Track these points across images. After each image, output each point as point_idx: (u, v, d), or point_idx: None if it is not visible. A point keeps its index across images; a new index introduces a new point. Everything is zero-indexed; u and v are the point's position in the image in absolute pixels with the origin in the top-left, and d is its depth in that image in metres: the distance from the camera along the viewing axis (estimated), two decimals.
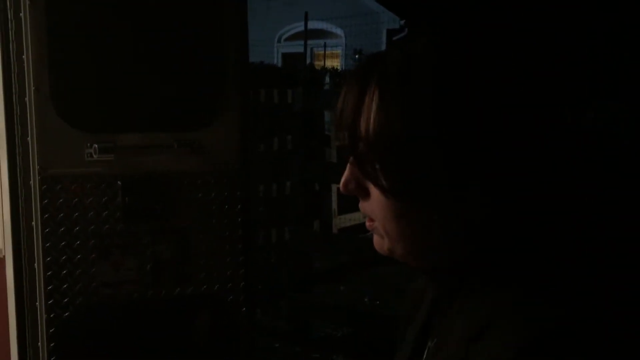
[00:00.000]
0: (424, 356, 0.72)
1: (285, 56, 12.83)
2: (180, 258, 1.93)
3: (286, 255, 4.68)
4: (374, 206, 0.66)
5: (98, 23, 1.83)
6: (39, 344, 1.80)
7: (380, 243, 0.69)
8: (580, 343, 0.56)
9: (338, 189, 5.34)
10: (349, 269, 5.01)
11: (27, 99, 1.76)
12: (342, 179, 0.69)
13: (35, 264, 1.79)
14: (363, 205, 0.69)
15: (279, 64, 11.15)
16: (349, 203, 5.85)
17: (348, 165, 0.68)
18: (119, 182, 1.85)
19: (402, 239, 0.66)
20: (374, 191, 0.65)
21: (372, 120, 0.62)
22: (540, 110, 0.61)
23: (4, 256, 1.85)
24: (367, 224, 0.70)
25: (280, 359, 3.84)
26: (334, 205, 5.71)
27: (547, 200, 0.63)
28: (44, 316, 1.79)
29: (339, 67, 10.11)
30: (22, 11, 1.74)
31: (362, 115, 0.63)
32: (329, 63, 10.55)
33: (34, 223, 1.79)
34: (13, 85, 1.77)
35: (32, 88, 1.75)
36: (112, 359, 1.87)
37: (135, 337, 1.91)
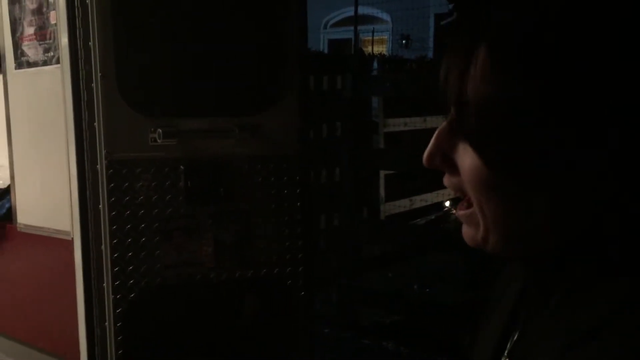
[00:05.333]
0: (507, 349, 0.68)
1: (331, 42, 12.80)
2: (241, 241, 1.95)
3: (335, 241, 4.69)
4: (469, 180, 0.60)
5: (162, 9, 1.85)
6: (106, 323, 1.86)
7: (471, 233, 0.63)
8: None
9: (386, 175, 5.33)
10: (396, 256, 4.99)
11: (93, 85, 1.80)
12: (426, 152, 0.63)
13: (103, 246, 1.84)
14: (450, 180, 0.63)
15: (325, 51, 11.12)
16: (396, 190, 5.83)
17: (434, 137, 0.63)
18: (181, 167, 1.87)
19: (499, 222, 0.60)
20: (468, 164, 0.59)
21: (483, 86, 0.57)
22: None
23: (72, 238, 1.90)
24: (460, 212, 0.64)
25: (330, 344, 3.86)
26: (382, 192, 5.69)
27: None
28: (111, 297, 1.84)
29: (386, 53, 10.03)
30: None
31: (470, 82, 0.58)
32: (376, 49, 10.47)
33: (100, 206, 1.83)
34: (80, 72, 1.81)
35: (99, 74, 1.78)
36: (176, 339, 1.91)
37: (198, 318, 1.95)
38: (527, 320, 0.65)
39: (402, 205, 5.83)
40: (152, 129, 1.83)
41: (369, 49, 10.21)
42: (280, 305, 2.06)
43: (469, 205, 0.63)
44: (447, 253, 4.60)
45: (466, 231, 0.64)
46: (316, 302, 4.23)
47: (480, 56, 0.57)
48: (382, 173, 5.60)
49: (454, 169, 0.62)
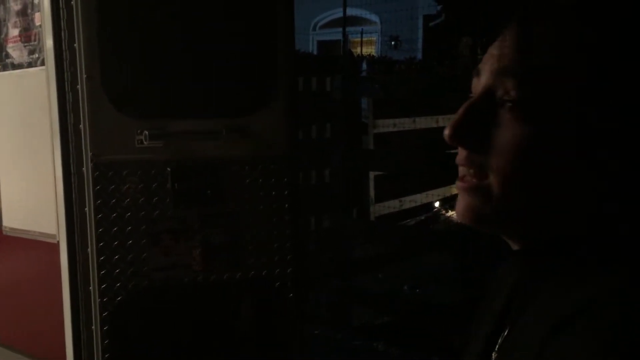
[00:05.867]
0: (498, 344, 0.67)
1: (320, 44, 12.80)
2: (229, 243, 1.94)
3: (325, 243, 4.69)
4: (509, 151, 0.58)
5: (148, 11, 1.84)
6: (93, 327, 1.84)
7: (475, 205, 0.61)
8: None
9: (375, 176, 5.33)
10: (387, 256, 4.99)
11: (79, 86, 1.78)
12: (453, 123, 0.61)
13: (89, 249, 1.82)
14: (471, 158, 0.61)
15: (315, 52, 11.12)
16: (386, 191, 5.83)
17: (462, 110, 0.61)
18: (168, 169, 1.86)
19: (517, 197, 0.59)
20: (511, 136, 0.58)
21: (544, 58, 0.57)
22: None
23: (58, 241, 1.88)
24: (465, 184, 0.62)
25: (321, 345, 3.85)
26: (372, 193, 5.69)
27: None
28: (97, 300, 1.83)
29: (374, 54, 10.04)
30: None
31: (530, 47, 0.58)
32: (365, 50, 10.48)
33: (87, 209, 1.81)
34: (65, 74, 1.80)
35: (84, 76, 1.77)
36: (164, 343, 1.90)
37: (185, 321, 1.93)
38: (517, 314, 0.65)
39: (392, 206, 5.84)
40: (139, 131, 1.82)
41: (358, 50, 10.23)
42: (270, 307, 2.05)
43: (481, 178, 0.61)
44: (437, 253, 4.61)
45: (468, 203, 0.62)
46: (307, 304, 4.23)
47: (536, 30, 0.57)
48: (372, 174, 5.61)
49: (481, 145, 0.60)
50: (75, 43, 1.77)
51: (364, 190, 5.62)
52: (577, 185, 0.57)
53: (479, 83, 0.63)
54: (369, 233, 4.65)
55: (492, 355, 0.68)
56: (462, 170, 0.64)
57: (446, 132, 0.61)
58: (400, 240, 4.54)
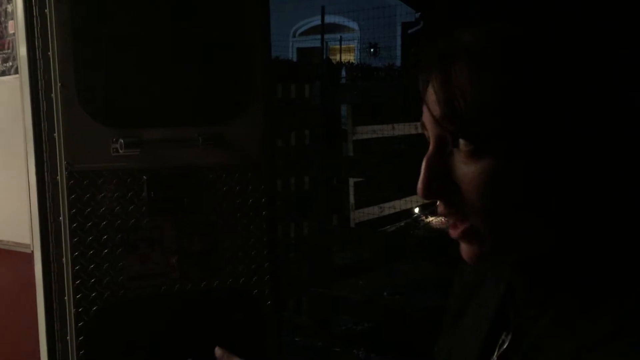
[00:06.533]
0: (498, 350, 0.69)
1: (300, 51, 12.83)
2: (206, 251, 1.93)
3: (305, 250, 4.69)
4: (477, 186, 0.61)
5: (123, 19, 1.83)
6: (68, 337, 1.82)
7: (475, 250, 0.64)
8: None
9: (355, 183, 5.34)
10: (367, 263, 5.00)
11: (53, 95, 1.77)
12: (421, 182, 0.63)
13: (64, 259, 1.80)
14: (448, 205, 0.63)
15: (295, 59, 11.15)
16: (366, 198, 5.85)
17: (424, 165, 0.63)
18: (144, 177, 1.85)
19: (505, 226, 0.62)
20: (474, 170, 0.61)
21: (473, 91, 0.60)
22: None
23: (32, 251, 1.86)
24: (457, 231, 0.64)
25: (301, 353, 3.85)
26: (352, 200, 5.71)
27: None
28: (73, 310, 1.81)
29: (354, 61, 10.09)
30: (47, 7, 1.75)
31: (456, 91, 0.60)
32: (344, 57, 10.52)
33: (61, 218, 1.80)
34: (39, 82, 1.78)
35: (58, 84, 1.75)
36: (140, 353, 1.88)
37: (163, 330, 1.92)
38: (521, 325, 0.66)
39: (372, 212, 5.85)
40: (114, 139, 1.81)
41: (338, 57, 10.26)
42: (247, 315, 2.05)
43: (463, 222, 0.63)
44: (417, 259, 4.63)
45: (468, 249, 0.65)
46: (287, 311, 4.22)
47: (461, 76, 0.60)
48: (352, 180, 5.62)
49: (452, 192, 0.62)
50: (49, 51, 1.76)
51: (344, 197, 5.64)
52: (540, 210, 0.60)
53: (428, 134, 0.66)
54: (349, 240, 4.66)
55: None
56: (448, 218, 0.66)
57: (418, 192, 0.64)
58: (380, 246, 4.56)
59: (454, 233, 0.65)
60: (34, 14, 1.76)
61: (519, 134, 0.59)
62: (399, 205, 5.89)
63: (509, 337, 0.68)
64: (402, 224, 6.12)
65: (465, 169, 0.61)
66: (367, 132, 5.83)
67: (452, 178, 0.62)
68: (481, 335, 0.72)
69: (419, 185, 0.63)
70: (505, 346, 0.68)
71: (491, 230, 0.62)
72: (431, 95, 0.63)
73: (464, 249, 0.65)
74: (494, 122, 0.59)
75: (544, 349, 0.61)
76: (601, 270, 0.60)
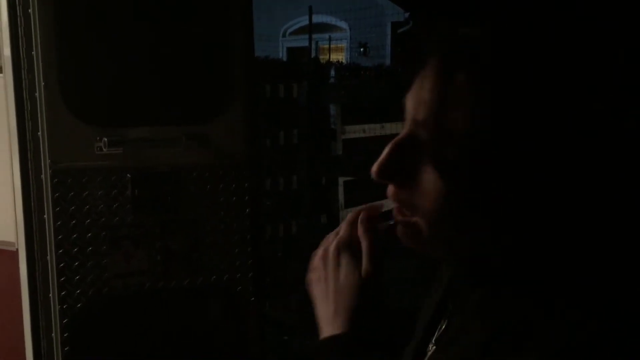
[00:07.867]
0: (435, 337, 0.72)
1: (290, 50, 12.84)
2: (190, 249, 1.95)
3: (294, 249, 4.70)
4: (430, 195, 0.60)
5: (105, 18, 1.85)
6: (53, 334, 1.84)
7: (409, 240, 0.65)
8: None
9: (345, 182, 5.34)
10: None
11: (37, 94, 1.78)
12: (380, 162, 0.62)
13: (48, 257, 1.82)
14: (398, 194, 0.64)
15: (285, 58, 11.15)
16: (355, 196, 5.87)
17: (389, 149, 0.62)
18: (128, 175, 1.87)
19: (445, 232, 0.62)
20: (434, 182, 0.60)
21: (466, 113, 0.58)
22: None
23: (17, 249, 1.88)
24: (403, 218, 0.65)
25: (289, 352, 3.86)
26: (341, 199, 5.72)
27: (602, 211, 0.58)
28: (57, 307, 1.82)
29: (343, 61, 10.11)
30: (31, 7, 1.76)
31: (450, 107, 0.59)
32: (334, 57, 10.54)
33: (45, 216, 1.81)
34: (23, 81, 1.80)
35: (42, 83, 1.77)
36: (125, 349, 1.90)
37: (147, 327, 1.94)
38: (453, 312, 0.69)
39: None
40: (98, 138, 1.83)
41: (327, 56, 10.29)
42: (231, 312, 2.07)
43: (409, 215, 0.64)
44: (405, 258, 4.65)
45: (404, 237, 0.66)
46: (276, 310, 4.23)
47: (457, 82, 0.58)
48: (341, 179, 5.64)
49: (407, 183, 0.62)
50: (33, 51, 1.77)
51: (333, 196, 5.66)
52: (494, 225, 0.60)
53: (405, 123, 0.65)
54: None
55: (429, 346, 0.72)
56: (395, 202, 0.66)
57: (373, 170, 0.63)
58: None
59: (396, 216, 0.66)
60: (18, 13, 1.78)
61: (488, 158, 0.57)
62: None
63: (445, 322, 0.70)
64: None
65: (427, 173, 0.60)
66: (356, 131, 5.85)
67: (412, 171, 0.61)
68: (424, 321, 0.75)
69: (376, 163, 0.62)
70: (441, 331, 0.71)
71: (434, 236, 0.62)
72: (417, 94, 0.62)
73: (401, 232, 0.66)
74: (469, 143, 0.57)
75: (461, 338, 0.62)
76: (531, 270, 0.60)
